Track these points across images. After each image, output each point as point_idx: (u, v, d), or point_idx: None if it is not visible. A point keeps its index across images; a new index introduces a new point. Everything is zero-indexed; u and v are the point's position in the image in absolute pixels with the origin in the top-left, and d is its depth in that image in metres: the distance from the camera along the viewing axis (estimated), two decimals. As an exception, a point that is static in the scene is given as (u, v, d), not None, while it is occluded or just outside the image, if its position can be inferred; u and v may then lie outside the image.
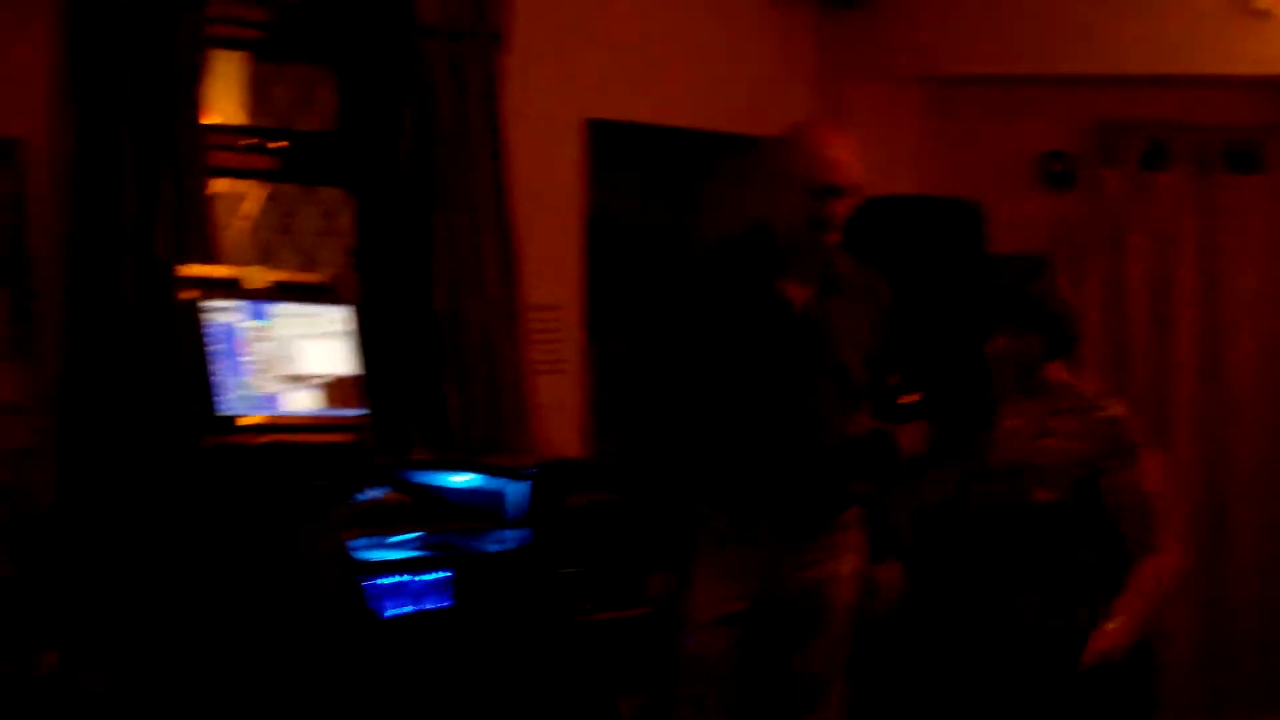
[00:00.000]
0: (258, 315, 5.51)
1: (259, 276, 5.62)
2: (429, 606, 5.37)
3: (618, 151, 7.40)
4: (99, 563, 4.42)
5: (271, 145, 6.28)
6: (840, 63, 8.16)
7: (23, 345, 5.24)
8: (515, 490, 5.76)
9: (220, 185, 5.96)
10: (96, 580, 4.35)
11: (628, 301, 7.15)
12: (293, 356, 5.58)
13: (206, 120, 5.75)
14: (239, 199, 6.35)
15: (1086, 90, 8.25)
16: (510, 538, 5.65)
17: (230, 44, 6.11)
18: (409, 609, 5.32)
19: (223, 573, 4.90)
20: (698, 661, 5.14)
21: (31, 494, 4.38)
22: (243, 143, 6.19)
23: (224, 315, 5.41)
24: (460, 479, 5.88)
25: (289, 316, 5.61)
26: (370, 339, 5.88)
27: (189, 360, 5.32)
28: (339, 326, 5.77)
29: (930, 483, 5.30)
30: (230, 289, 5.48)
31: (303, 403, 5.59)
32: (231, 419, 5.34)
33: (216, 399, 5.31)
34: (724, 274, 5.20)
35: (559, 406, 6.81)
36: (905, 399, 5.20)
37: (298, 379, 5.58)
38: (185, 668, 4.37)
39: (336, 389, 5.68)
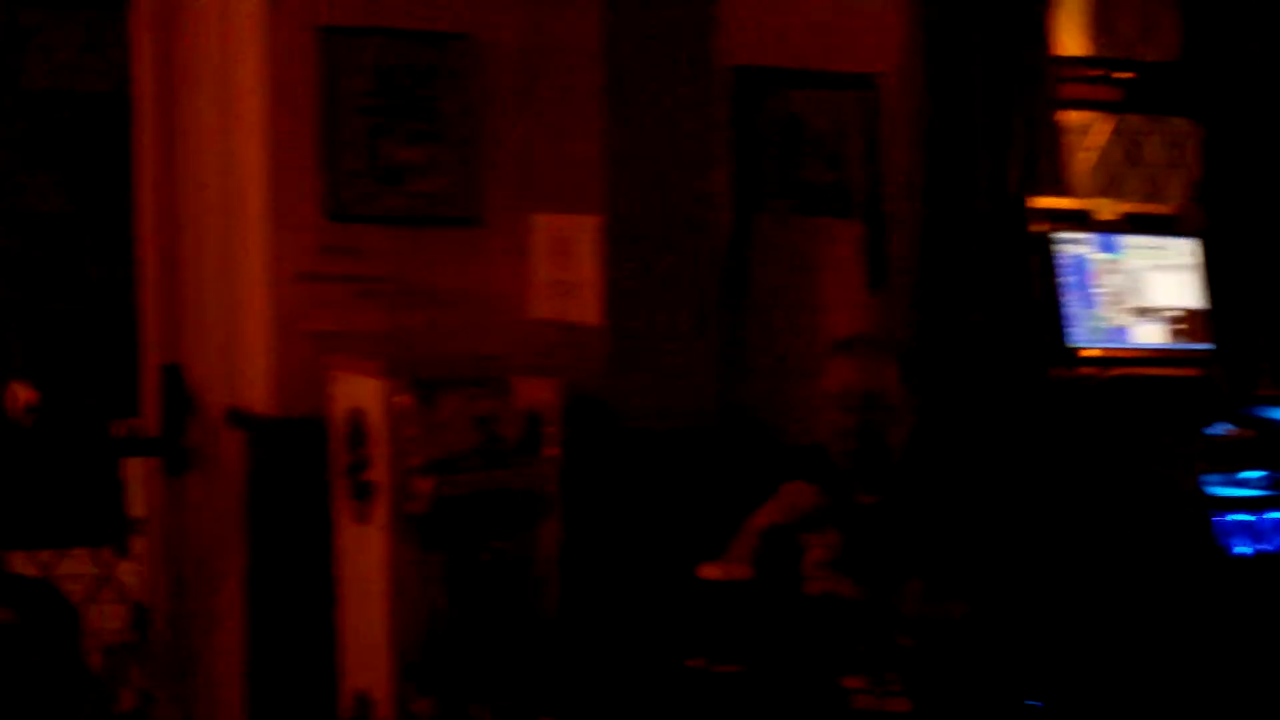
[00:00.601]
0: (1108, 247, 5.36)
1: (1108, 208, 5.46)
2: (1274, 547, 5.03)
3: None
4: (956, 491, 4.32)
5: (1117, 76, 6.02)
6: None
7: (879, 278, 5.19)
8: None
9: (1067, 117, 5.75)
10: (954, 509, 4.25)
11: None
12: (1142, 289, 5.40)
13: (1054, 52, 5.55)
14: (1085, 130, 6.15)
15: None
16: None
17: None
18: (1254, 548, 5.00)
19: (1077, 503, 4.76)
20: None
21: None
22: (1089, 74, 5.97)
23: (1074, 247, 5.28)
24: (1308, 416, 5.50)
25: (1138, 248, 5.42)
26: (1216, 271, 5.55)
27: (1039, 292, 5.20)
28: (1187, 259, 5.51)
29: None
30: (1080, 221, 5.34)
31: (1151, 336, 5.40)
32: (1079, 351, 5.22)
33: (1066, 331, 5.20)
34: None
35: None
36: None
37: (1146, 312, 5.39)
38: (1042, 597, 4.24)
39: (1184, 322, 5.45)
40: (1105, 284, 5.30)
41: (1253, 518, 5.02)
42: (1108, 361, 5.24)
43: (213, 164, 4.79)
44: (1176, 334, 5.42)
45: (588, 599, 4.49)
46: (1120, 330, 5.32)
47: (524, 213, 4.81)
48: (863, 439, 4.24)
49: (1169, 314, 5.42)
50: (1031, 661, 4.12)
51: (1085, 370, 5.20)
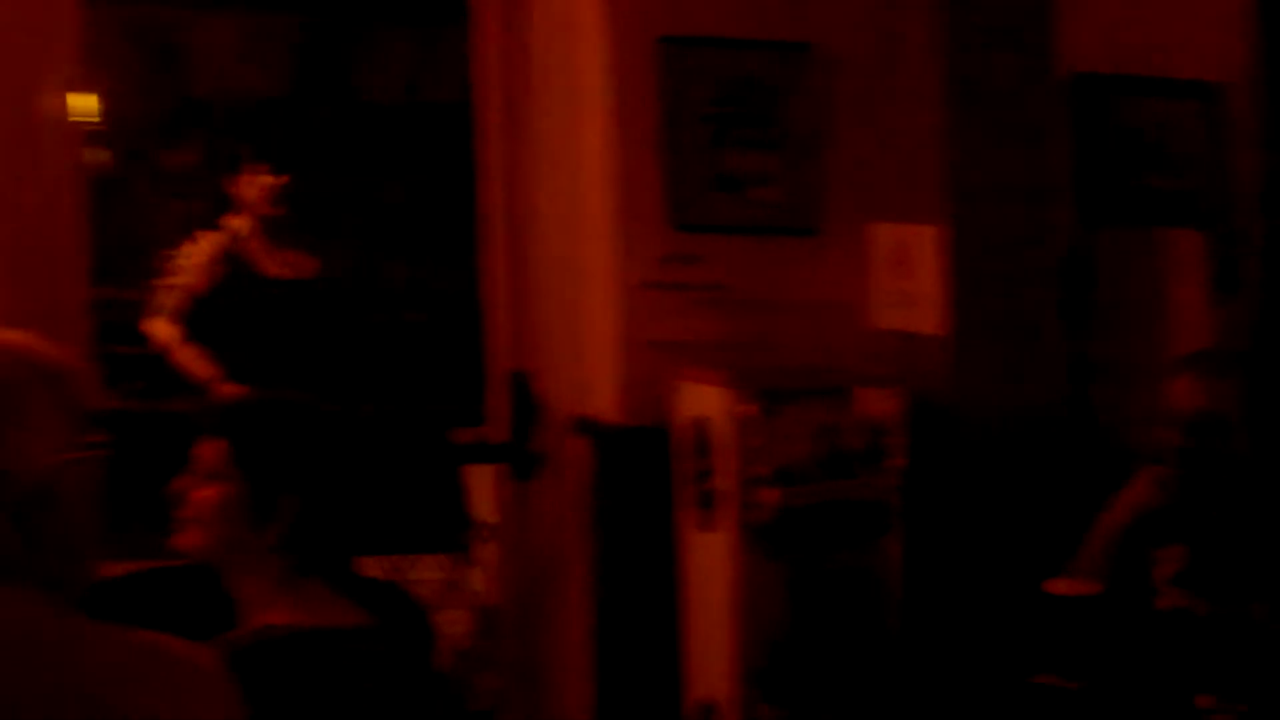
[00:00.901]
0: None
1: None
2: None
3: None
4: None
5: None
6: None
7: (1227, 289, 5.03)
8: None
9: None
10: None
11: None
12: None
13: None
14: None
15: None
16: None
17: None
18: None
19: None
20: None
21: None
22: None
23: None
24: None
25: None
26: None
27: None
28: None
29: None
30: None
31: None
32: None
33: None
34: None
35: None
36: None
37: None
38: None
39: None
40: None
41: None
42: None
43: (557, 172, 4.79)
44: None
45: (931, 611, 4.41)
46: None
47: (863, 222, 4.74)
48: (1203, 456, 4.10)
49: None
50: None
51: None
